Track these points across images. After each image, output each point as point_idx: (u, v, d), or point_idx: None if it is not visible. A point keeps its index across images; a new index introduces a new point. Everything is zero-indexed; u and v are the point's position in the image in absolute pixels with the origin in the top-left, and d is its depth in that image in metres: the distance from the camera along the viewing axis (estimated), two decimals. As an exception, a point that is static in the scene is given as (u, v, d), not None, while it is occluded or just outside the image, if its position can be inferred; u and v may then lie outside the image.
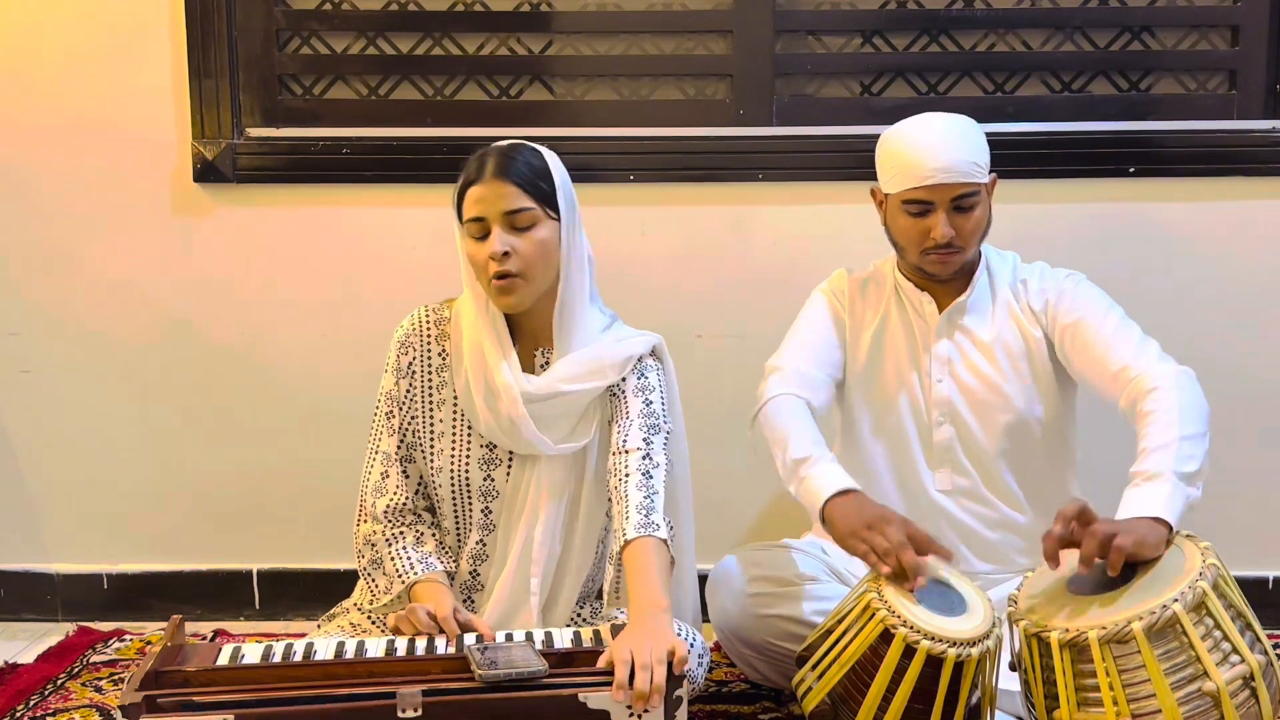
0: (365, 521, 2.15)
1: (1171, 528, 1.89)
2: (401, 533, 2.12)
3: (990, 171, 2.27)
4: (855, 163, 2.67)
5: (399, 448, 2.14)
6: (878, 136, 2.31)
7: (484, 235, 2.02)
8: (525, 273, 2.02)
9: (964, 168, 2.20)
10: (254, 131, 2.79)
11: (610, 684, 1.72)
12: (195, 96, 2.75)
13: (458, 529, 2.16)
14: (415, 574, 2.07)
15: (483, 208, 2.02)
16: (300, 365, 2.81)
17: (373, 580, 2.15)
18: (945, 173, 2.18)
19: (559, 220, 2.05)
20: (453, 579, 2.15)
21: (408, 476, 2.15)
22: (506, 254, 2.00)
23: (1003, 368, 2.29)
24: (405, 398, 2.14)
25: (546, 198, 2.04)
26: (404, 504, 2.14)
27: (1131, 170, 2.71)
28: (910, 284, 2.33)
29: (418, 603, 2.02)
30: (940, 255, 2.22)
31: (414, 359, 2.15)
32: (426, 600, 2.02)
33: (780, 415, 2.21)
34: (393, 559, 2.10)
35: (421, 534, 2.14)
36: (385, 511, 2.12)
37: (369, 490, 2.15)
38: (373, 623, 2.13)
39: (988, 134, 2.32)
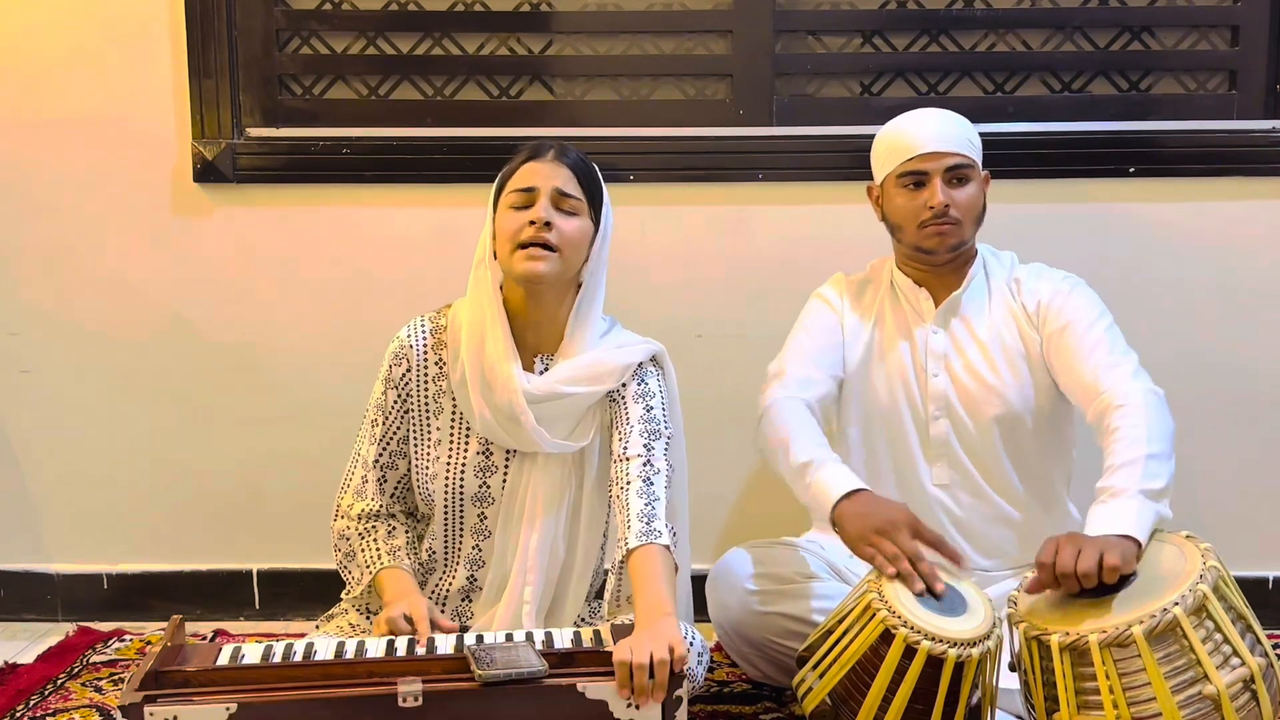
0: (340, 518, 2.18)
1: (1140, 544, 1.90)
2: (374, 527, 2.15)
3: (984, 169, 2.31)
4: (855, 163, 2.66)
5: (379, 456, 2.17)
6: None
7: (528, 205, 2.05)
8: (560, 249, 2.04)
9: (955, 139, 2.26)
10: (254, 131, 2.78)
11: (607, 676, 1.74)
12: (195, 96, 2.74)
13: (447, 534, 2.18)
14: (382, 563, 2.11)
15: (537, 180, 2.06)
16: (300, 365, 2.81)
17: (349, 572, 2.17)
18: (937, 141, 2.24)
19: (596, 229, 2.09)
20: (424, 583, 2.17)
21: (385, 482, 2.17)
22: (549, 224, 2.02)
23: (998, 364, 2.29)
24: (393, 409, 2.16)
25: (593, 200, 2.09)
26: (378, 511, 2.16)
27: (1131, 170, 2.71)
28: (907, 280, 2.34)
29: (381, 591, 2.08)
30: (938, 226, 2.24)
31: (407, 370, 2.15)
32: (390, 589, 2.07)
33: (782, 418, 2.22)
34: (363, 550, 2.14)
35: (394, 529, 2.16)
36: (359, 516, 2.16)
37: (349, 491, 2.17)
38: (371, 622, 2.14)
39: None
